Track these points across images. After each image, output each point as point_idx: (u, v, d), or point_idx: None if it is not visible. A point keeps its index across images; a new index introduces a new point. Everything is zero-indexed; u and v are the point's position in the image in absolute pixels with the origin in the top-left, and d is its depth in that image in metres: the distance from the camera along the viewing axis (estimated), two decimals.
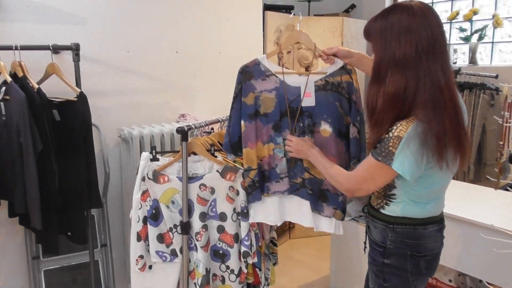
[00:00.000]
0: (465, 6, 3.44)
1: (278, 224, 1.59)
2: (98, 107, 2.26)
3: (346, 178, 1.37)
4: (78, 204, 1.92)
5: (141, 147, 2.25)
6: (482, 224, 1.77)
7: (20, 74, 1.85)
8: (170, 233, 1.64)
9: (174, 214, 1.67)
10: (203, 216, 1.68)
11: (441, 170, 1.26)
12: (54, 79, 1.99)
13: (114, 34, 2.26)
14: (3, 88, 1.78)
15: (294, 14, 2.90)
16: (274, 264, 1.85)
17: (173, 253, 1.65)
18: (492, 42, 3.29)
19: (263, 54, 1.67)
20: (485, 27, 3.18)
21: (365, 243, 1.48)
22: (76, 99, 1.89)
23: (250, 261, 1.63)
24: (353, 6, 3.64)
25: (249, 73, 1.55)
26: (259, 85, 1.54)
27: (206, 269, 1.64)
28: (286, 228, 3.32)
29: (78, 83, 2.00)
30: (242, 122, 1.55)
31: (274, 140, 1.57)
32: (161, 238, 1.64)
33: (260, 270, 1.71)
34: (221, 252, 1.66)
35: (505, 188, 2.20)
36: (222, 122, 1.88)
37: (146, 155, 1.69)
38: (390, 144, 1.25)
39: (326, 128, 1.54)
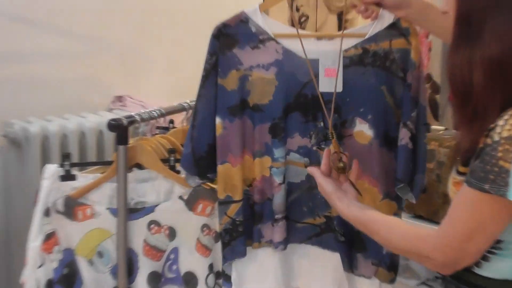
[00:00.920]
0: None
1: None
2: None
3: (432, 246, 1.25)
4: None
5: (44, 155, 2.24)
6: None
7: None
8: None
9: (102, 275, 1.65)
10: (155, 280, 1.67)
11: None
12: None
13: None
14: None
15: None
16: None
17: None
18: None
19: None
20: None
21: None
22: None
23: None
24: None
25: (230, 37, 1.54)
26: (248, 57, 1.54)
27: None
28: None
29: None
30: (218, 120, 1.55)
31: (271, 151, 1.57)
32: None
33: None
34: None
35: None
36: (189, 111, 1.82)
37: (53, 169, 1.65)
38: (499, 154, 1.14)
39: (363, 130, 1.55)
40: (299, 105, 1.55)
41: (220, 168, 1.56)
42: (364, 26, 1.56)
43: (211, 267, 1.67)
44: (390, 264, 1.59)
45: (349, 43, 1.53)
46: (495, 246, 1.30)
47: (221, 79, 1.54)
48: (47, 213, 1.62)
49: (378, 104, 1.54)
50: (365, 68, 1.53)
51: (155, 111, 1.68)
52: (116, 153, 1.59)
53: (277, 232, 1.59)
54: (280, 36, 1.54)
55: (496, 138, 1.15)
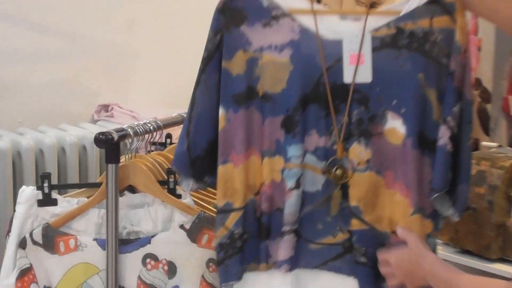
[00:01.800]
0: None
1: None
2: None
3: None
4: None
5: (16, 175, 2.24)
6: None
7: None
8: None
9: None
10: None
11: None
12: None
13: None
14: None
15: None
16: None
17: None
18: None
19: None
20: None
21: None
22: None
23: None
24: None
25: (237, 12, 1.53)
26: (258, 36, 1.53)
27: None
28: None
29: None
30: (222, 110, 1.53)
31: (283, 150, 1.55)
32: None
33: None
34: None
35: None
36: None
37: (29, 193, 1.64)
38: None
39: (396, 127, 1.52)
40: (318, 96, 1.53)
41: (221, 169, 1.55)
42: (400, 3, 1.53)
43: None
44: None
45: (380, 21, 1.51)
46: None
47: (226, 61, 1.53)
48: (22, 244, 1.60)
49: (414, 96, 1.52)
50: (399, 51, 1.51)
51: (150, 124, 1.69)
52: (105, 173, 1.58)
53: (282, 247, 1.57)
54: (296, 12, 1.53)
55: None
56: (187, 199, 1.65)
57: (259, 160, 1.56)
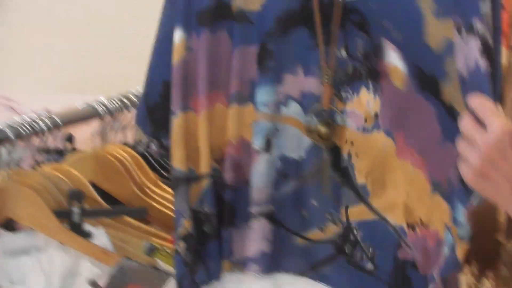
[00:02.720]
0: None
1: None
2: None
3: None
4: None
5: None
6: None
7: None
8: None
9: None
10: None
11: None
12: None
13: None
14: None
15: None
16: None
17: None
18: None
19: None
20: None
21: None
22: None
23: None
24: None
25: None
26: None
27: None
28: None
29: None
30: (179, 34, 1.53)
31: (258, 94, 1.54)
32: None
33: None
34: None
35: None
36: (105, 117, 1.80)
37: None
38: None
39: (396, 64, 1.49)
40: (308, 16, 1.50)
41: (177, 120, 1.53)
42: None
43: None
44: None
45: None
46: None
47: None
48: None
49: (406, 12, 1.51)
50: None
51: (40, 120, 1.62)
52: None
53: (249, 238, 1.55)
54: None
55: None
56: (100, 240, 1.59)
57: (224, 108, 1.56)
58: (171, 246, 1.60)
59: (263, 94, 1.54)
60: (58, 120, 1.63)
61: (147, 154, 1.82)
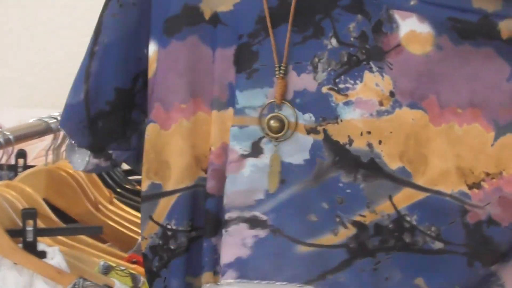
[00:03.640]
0: None
1: None
2: None
3: None
4: None
5: None
6: None
7: None
8: None
9: None
10: None
11: None
12: None
13: None
14: None
15: None
16: None
17: None
18: None
19: None
20: None
21: None
22: None
23: None
24: None
25: None
26: None
27: None
28: None
29: None
30: (153, 47, 1.48)
31: (242, 98, 1.50)
32: None
33: None
34: None
35: None
36: (58, 134, 1.76)
37: None
38: None
39: (415, 29, 1.43)
40: (288, 11, 1.46)
41: (150, 126, 1.49)
42: None
43: None
44: None
45: None
46: None
47: None
48: None
49: None
50: None
51: None
52: None
53: (226, 244, 1.51)
54: None
55: None
56: (55, 259, 1.52)
57: (207, 116, 1.50)
58: (127, 264, 1.60)
59: (246, 97, 1.49)
60: (10, 136, 1.59)
61: None
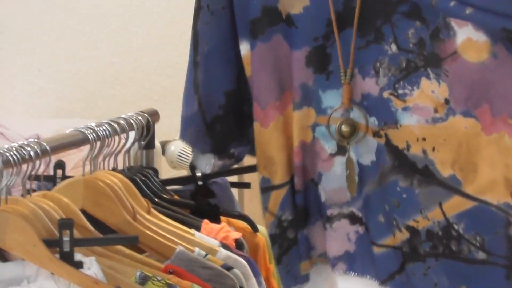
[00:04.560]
0: None
1: None
2: None
3: None
4: None
5: None
6: None
7: None
8: None
9: None
10: None
11: None
12: None
13: None
14: None
15: None
16: None
17: None
18: None
19: None
20: None
21: None
22: None
23: None
24: None
25: None
26: None
27: None
28: None
29: None
30: (244, 45, 1.55)
31: (313, 97, 1.56)
32: None
33: None
34: None
35: None
36: (96, 144, 1.73)
37: None
38: None
39: (471, 37, 1.45)
40: (352, 15, 1.50)
41: (254, 128, 1.59)
42: None
43: None
44: None
45: None
46: None
47: None
48: None
49: None
50: None
51: (29, 146, 1.54)
52: None
53: (332, 238, 1.57)
54: None
55: None
56: (92, 269, 1.49)
57: (290, 112, 1.59)
58: (164, 274, 1.57)
59: (328, 97, 1.55)
60: (47, 147, 1.58)
61: (138, 180, 1.79)
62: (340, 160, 1.55)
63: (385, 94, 1.48)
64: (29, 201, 1.56)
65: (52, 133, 1.76)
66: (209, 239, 1.71)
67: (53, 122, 2.33)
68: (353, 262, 1.59)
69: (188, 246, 1.65)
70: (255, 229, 1.85)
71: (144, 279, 1.52)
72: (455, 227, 1.49)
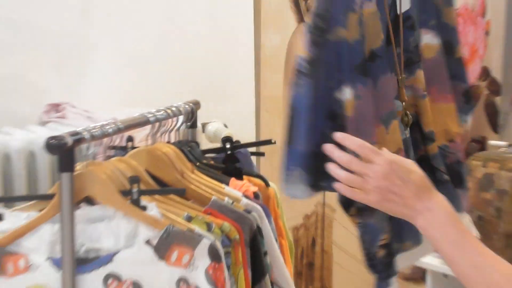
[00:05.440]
0: None
1: None
2: None
3: None
4: None
5: None
6: None
7: None
8: None
9: None
10: None
11: None
12: None
13: None
14: None
15: None
16: None
17: None
18: None
19: None
20: None
21: None
22: None
23: None
24: None
25: None
26: None
27: None
28: None
29: None
30: (348, 90, 1.54)
31: (394, 109, 1.63)
32: None
33: None
34: None
35: None
36: (155, 125, 1.87)
37: None
38: None
39: (429, 42, 1.67)
40: (391, 33, 1.65)
41: None
42: None
43: None
44: None
45: None
46: None
47: (341, 28, 1.54)
48: None
49: (435, 3, 1.67)
50: None
51: (109, 126, 1.67)
52: (58, 184, 1.58)
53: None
54: None
55: None
56: (153, 211, 1.65)
57: (384, 129, 1.62)
58: (204, 215, 1.72)
59: (397, 105, 1.73)
60: (122, 126, 1.72)
61: (185, 150, 1.92)
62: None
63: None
64: (109, 163, 1.74)
65: (124, 117, 1.81)
66: (235, 191, 1.86)
67: (125, 109, 2.30)
68: None
69: (220, 196, 1.80)
70: (267, 185, 1.99)
71: (189, 218, 1.68)
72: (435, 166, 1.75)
